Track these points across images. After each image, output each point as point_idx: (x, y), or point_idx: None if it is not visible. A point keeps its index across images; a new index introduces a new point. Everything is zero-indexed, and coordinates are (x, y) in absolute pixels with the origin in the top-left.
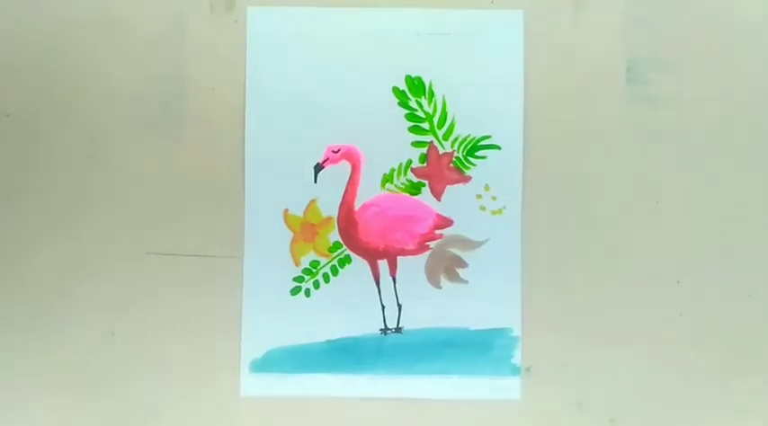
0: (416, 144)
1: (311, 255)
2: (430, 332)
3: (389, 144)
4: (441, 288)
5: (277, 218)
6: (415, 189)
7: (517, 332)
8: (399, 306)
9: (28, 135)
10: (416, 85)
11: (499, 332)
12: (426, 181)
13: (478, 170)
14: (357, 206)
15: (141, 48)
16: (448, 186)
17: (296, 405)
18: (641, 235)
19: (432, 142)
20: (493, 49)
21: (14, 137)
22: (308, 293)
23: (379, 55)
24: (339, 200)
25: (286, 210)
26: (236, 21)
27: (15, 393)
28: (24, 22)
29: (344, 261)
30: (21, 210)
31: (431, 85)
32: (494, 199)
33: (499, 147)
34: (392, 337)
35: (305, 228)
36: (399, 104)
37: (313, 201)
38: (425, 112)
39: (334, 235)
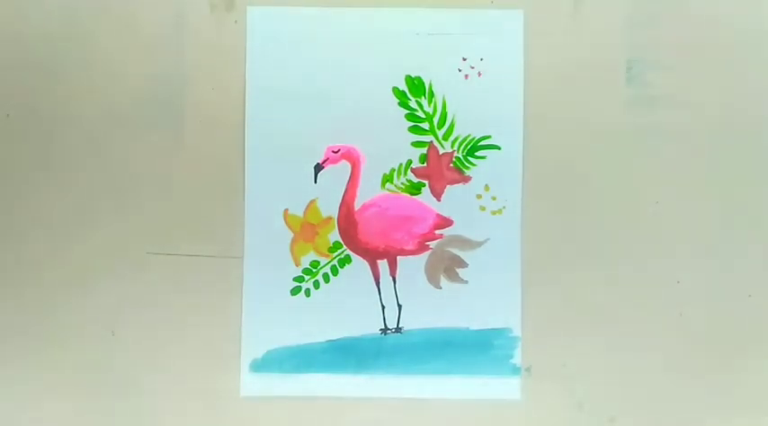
0: (416, 144)
1: (311, 255)
2: (430, 333)
3: (389, 144)
4: (441, 288)
5: (277, 218)
6: (415, 189)
7: (517, 332)
8: (399, 306)
9: (28, 135)
10: (416, 85)
11: (499, 332)
12: (426, 182)
13: (478, 170)
14: (357, 206)
15: (141, 48)
16: (448, 186)
17: (296, 405)
18: (641, 234)
19: (432, 142)
20: (493, 49)
21: (14, 138)
22: (308, 293)
23: (379, 55)
24: (339, 200)
25: (286, 210)
26: (236, 21)
27: (15, 392)
28: (24, 23)
29: (344, 261)
30: (20, 211)
31: (431, 85)
32: (494, 199)
33: (499, 147)
34: (392, 337)
35: (305, 228)
36: (399, 104)
37: (313, 201)
38: (425, 112)
39: (335, 235)
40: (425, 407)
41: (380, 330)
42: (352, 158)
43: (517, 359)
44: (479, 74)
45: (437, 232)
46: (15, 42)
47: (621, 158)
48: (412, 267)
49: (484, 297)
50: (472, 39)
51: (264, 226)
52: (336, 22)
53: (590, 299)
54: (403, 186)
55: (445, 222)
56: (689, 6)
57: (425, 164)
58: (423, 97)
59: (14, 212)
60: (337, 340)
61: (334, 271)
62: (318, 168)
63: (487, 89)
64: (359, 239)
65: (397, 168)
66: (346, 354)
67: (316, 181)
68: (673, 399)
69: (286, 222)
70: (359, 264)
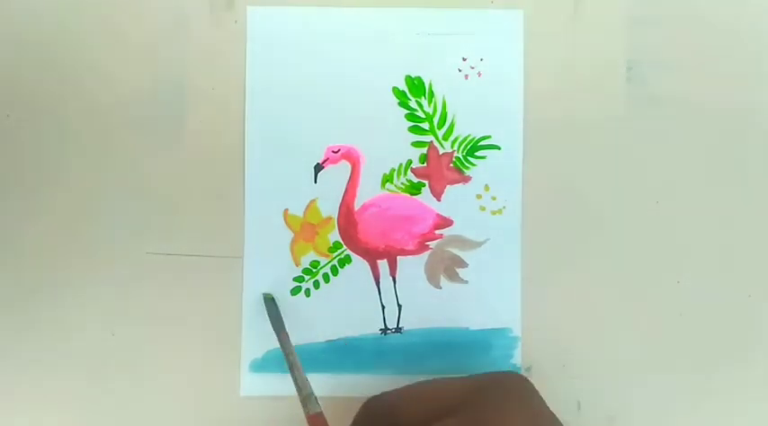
0: (416, 144)
1: (311, 255)
2: (430, 332)
3: (389, 144)
4: (441, 288)
5: (277, 218)
6: (415, 189)
7: (517, 332)
8: (399, 306)
9: (28, 135)
10: (416, 85)
11: (499, 332)
12: (426, 182)
13: (478, 170)
14: (357, 206)
15: (141, 48)
16: (448, 186)
17: (296, 405)
18: (641, 235)
19: (432, 142)
20: (493, 49)
21: (14, 138)
22: (308, 293)
23: (379, 55)
24: (339, 200)
25: (286, 210)
26: (236, 21)
27: (15, 392)
28: (23, 22)
29: (344, 261)
30: (20, 211)
31: (431, 85)
32: (494, 199)
33: (499, 147)
34: (392, 337)
35: (305, 228)
36: (399, 104)
37: (313, 201)
38: (425, 112)
39: (335, 235)
40: None
41: (380, 330)
42: (352, 158)
43: (517, 359)
44: (479, 74)
45: (437, 232)
46: (14, 42)
47: (621, 158)
48: (412, 267)
49: (484, 297)
50: (472, 39)
51: (264, 226)
52: (336, 22)
53: (590, 299)
54: (403, 186)
55: (445, 222)
56: (689, 6)
57: (425, 164)
58: (423, 97)
59: (13, 212)
60: (337, 340)
61: (334, 271)
62: (318, 168)
63: (487, 89)
64: (359, 239)
65: (397, 168)
66: (346, 354)
67: (316, 181)
68: (672, 399)
69: (286, 222)
70: (359, 264)
